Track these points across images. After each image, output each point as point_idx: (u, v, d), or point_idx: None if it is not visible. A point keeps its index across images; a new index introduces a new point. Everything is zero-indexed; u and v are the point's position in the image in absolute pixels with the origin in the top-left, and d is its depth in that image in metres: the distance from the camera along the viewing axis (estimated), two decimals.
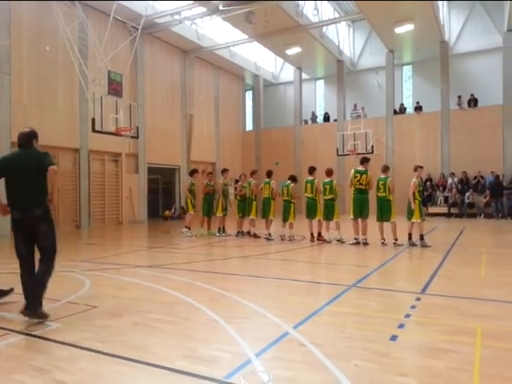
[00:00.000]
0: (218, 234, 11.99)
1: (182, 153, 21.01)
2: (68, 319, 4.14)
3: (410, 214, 9.29)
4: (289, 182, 10.94)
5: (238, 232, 11.88)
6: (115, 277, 6.26)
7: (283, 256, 8.65)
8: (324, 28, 21.80)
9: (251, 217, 11.62)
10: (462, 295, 5.04)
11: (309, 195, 10.52)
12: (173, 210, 20.10)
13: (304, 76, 25.91)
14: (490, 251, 8.79)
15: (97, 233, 14.38)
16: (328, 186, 10.22)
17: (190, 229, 12.03)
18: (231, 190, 13.39)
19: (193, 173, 12.60)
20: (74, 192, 15.93)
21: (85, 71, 13.39)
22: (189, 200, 12.09)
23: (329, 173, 10.46)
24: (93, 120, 12.59)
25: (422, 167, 9.62)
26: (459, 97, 20.80)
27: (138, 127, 14.14)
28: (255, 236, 11.36)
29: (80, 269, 6.87)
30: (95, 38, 13.68)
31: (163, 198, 21.77)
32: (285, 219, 10.80)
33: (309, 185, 10.52)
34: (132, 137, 14.03)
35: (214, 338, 3.57)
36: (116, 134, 13.16)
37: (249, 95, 28.24)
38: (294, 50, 21.70)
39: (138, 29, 14.98)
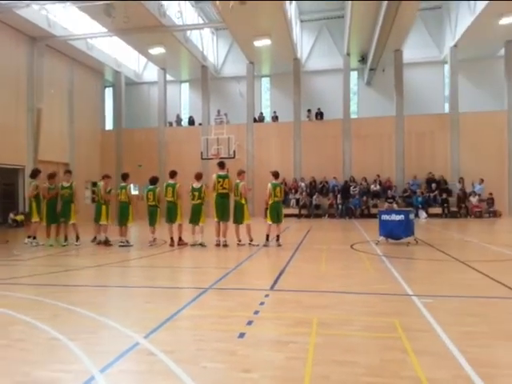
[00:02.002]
0: (75, 244, 10.59)
1: (28, 151, 18.68)
2: None
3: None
4: (154, 186, 10.62)
5: (95, 238, 11.04)
6: None
7: (141, 262, 8.38)
8: (188, 32, 21.90)
9: (102, 222, 10.66)
10: (304, 289, 5.61)
11: (169, 199, 10.36)
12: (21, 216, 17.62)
13: (169, 77, 25.61)
14: (330, 248, 9.96)
15: None
16: (197, 193, 10.12)
17: (35, 238, 10.68)
18: (87, 194, 12.34)
19: (35, 174, 11.05)
20: None
21: None
22: (34, 206, 10.71)
23: (198, 177, 10.40)
24: None
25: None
26: (309, 110, 23.26)
27: None
28: (106, 243, 10.48)
29: None
30: None
31: (3, 203, 18.94)
32: (151, 224, 10.50)
33: (169, 188, 10.35)
34: None
35: (52, 358, 3.26)
36: None
37: (109, 92, 26.64)
38: (157, 50, 21.27)
39: None
